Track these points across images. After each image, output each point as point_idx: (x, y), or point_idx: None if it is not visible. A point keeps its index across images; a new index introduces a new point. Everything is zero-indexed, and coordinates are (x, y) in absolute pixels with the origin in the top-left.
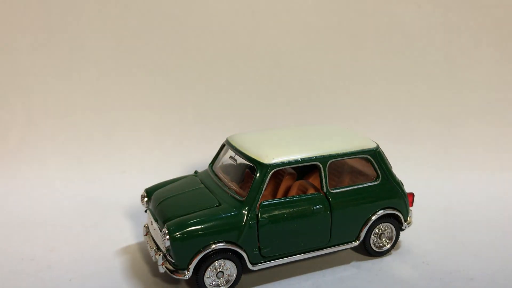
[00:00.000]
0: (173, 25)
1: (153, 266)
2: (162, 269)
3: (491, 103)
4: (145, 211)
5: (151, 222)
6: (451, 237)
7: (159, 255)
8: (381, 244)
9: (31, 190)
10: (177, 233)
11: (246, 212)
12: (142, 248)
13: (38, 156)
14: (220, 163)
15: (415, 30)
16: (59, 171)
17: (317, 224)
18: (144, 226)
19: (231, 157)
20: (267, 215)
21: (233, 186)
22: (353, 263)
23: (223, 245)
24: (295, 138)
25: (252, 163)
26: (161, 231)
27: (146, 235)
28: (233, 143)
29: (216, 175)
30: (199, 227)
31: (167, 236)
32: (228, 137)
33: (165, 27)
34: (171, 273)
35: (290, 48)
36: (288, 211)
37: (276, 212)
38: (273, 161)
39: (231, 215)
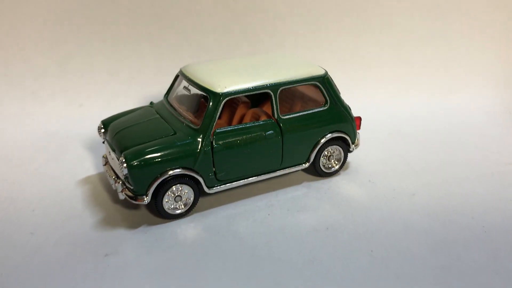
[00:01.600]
0: None
1: (113, 194)
2: (122, 196)
3: (438, 30)
4: (103, 142)
5: (109, 152)
6: (397, 157)
7: (119, 183)
8: (330, 166)
9: None
10: (134, 161)
11: (200, 140)
12: (102, 178)
13: None
14: (174, 94)
15: None
16: (15, 106)
17: (269, 148)
18: (103, 156)
19: (185, 87)
20: (221, 141)
21: (188, 115)
22: (304, 183)
23: (179, 171)
24: (247, 67)
25: (205, 93)
26: (118, 160)
27: (105, 165)
28: (187, 74)
29: (171, 105)
30: (156, 155)
31: (125, 165)
32: (181, 68)
33: None
34: (131, 199)
35: None
36: (241, 137)
37: (230, 139)
38: (225, 90)
39: (186, 142)
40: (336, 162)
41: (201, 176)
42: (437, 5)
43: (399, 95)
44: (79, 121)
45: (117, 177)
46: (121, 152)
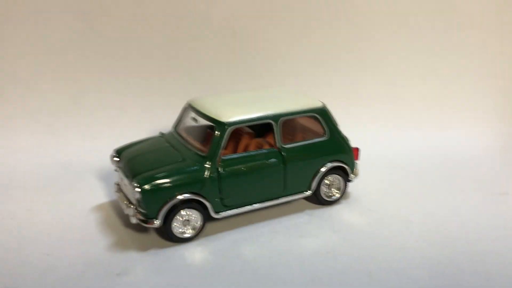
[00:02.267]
0: None
1: (125, 219)
2: (134, 220)
3: (433, 68)
4: (115, 170)
5: (122, 179)
6: (395, 187)
7: (130, 207)
8: (331, 194)
9: (4, 157)
10: (146, 186)
11: (208, 166)
12: (114, 205)
13: (9, 124)
14: (183, 125)
15: (361, 1)
16: (31, 138)
17: (272, 175)
18: (116, 184)
19: (192, 118)
20: (227, 168)
21: (196, 144)
22: (306, 211)
23: (188, 196)
24: (250, 100)
25: (212, 122)
26: (131, 185)
27: (117, 192)
28: (194, 106)
29: (180, 135)
30: (166, 180)
31: (138, 189)
32: (189, 100)
33: None
34: (142, 222)
35: (246, 18)
36: (246, 164)
37: (235, 166)
38: (230, 120)
39: (194, 169)
40: (336, 191)
41: (208, 201)
42: (431, 45)
43: (396, 130)
44: (92, 152)
45: (130, 202)
46: (133, 177)
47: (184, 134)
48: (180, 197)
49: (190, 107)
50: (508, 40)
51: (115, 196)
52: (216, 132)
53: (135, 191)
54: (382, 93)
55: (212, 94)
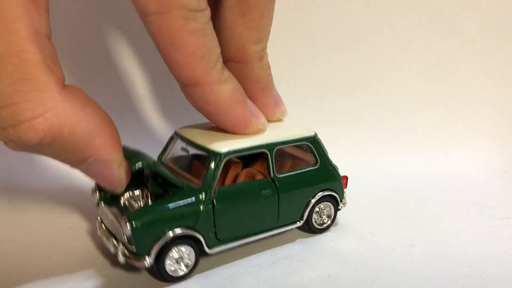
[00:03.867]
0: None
1: (112, 257)
2: (122, 259)
3: (434, 93)
4: (97, 205)
5: (106, 214)
6: (397, 211)
7: (119, 246)
8: (321, 222)
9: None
10: (138, 221)
11: (202, 199)
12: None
13: None
14: (170, 155)
15: (364, 25)
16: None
17: (266, 207)
18: (97, 220)
19: (182, 148)
20: (223, 201)
21: (186, 175)
22: (298, 240)
23: (182, 231)
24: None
25: (206, 152)
26: (119, 221)
27: (100, 228)
28: (185, 135)
29: (166, 166)
30: (159, 215)
31: (128, 225)
32: (177, 130)
33: None
34: (133, 261)
35: None
36: (241, 196)
37: (230, 198)
38: (225, 150)
39: (189, 202)
40: (327, 218)
41: (202, 235)
42: (434, 70)
43: (398, 154)
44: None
45: (116, 239)
46: (122, 212)
47: (170, 165)
48: (173, 232)
49: (178, 137)
50: (511, 66)
51: (98, 232)
52: (212, 163)
53: (125, 228)
54: (385, 118)
55: (200, 122)
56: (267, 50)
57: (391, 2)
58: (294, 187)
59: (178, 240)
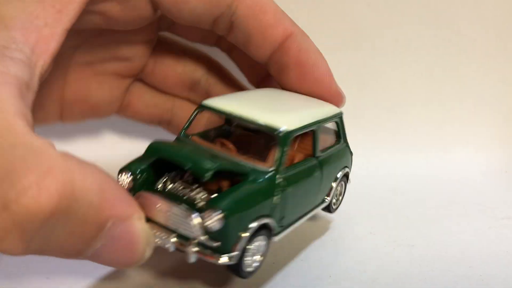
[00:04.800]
0: None
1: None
2: (194, 259)
3: (433, 93)
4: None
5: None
6: (397, 211)
7: (189, 243)
8: (334, 200)
9: None
10: (231, 212)
11: (279, 183)
12: None
13: None
14: (197, 131)
15: (365, 25)
16: None
17: (314, 187)
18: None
19: (230, 126)
20: (291, 183)
21: (244, 156)
22: (298, 241)
23: (265, 221)
24: (282, 104)
25: (269, 131)
26: (188, 214)
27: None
28: (223, 109)
29: (195, 143)
30: (246, 203)
31: (219, 217)
32: (205, 102)
33: None
34: (213, 259)
35: None
36: (301, 177)
37: (295, 180)
38: (292, 128)
39: (267, 187)
40: (339, 196)
41: (275, 222)
42: (433, 69)
43: (397, 154)
44: None
45: (180, 236)
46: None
47: (201, 141)
48: (258, 222)
49: (209, 110)
50: (510, 65)
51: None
52: (281, 142)
53: (213, 221)
54: (383, 118)
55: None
56: None
57: (391, 2)
58: (329, 166)
59: (259, 231)
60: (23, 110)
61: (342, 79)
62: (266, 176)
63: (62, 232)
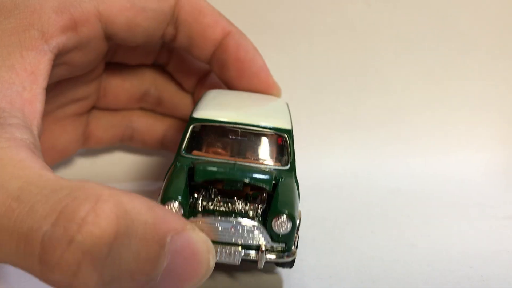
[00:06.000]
0: None
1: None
2: (263, 264)
3: (435, 94)
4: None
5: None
6: (397, 212)
7: (262, 250)
8: None
9: None
10: (295, 215)
11: (297, 180)
12: None
13: None
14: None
15: (365, 25)
16: None
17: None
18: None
19: (231, 133)
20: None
21: (263, 159)
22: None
23: (301, 214)
24: (259, 105)
25: (279, 132)
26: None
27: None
28: (230, 120)
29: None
30: (295, 204)
31: (286, 220)
32: (194, 115)
33: None
34: (285, 258)
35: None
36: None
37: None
38: (291, 126)
39: (295, 185)
40: None
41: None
42: (434, 70)
43: (398, 154)
44: None
45: (244, 246)
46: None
47: (223, 156)
48: (299, 218)
49: (201, 122)
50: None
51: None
52: (288, 141)
53: (283, 225)
54: (385, 118)
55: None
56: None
57: (391, 2)
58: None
59: None
60: (45, 166)
61: (343, 79)
62: (290, 175)
63: (128, 256)
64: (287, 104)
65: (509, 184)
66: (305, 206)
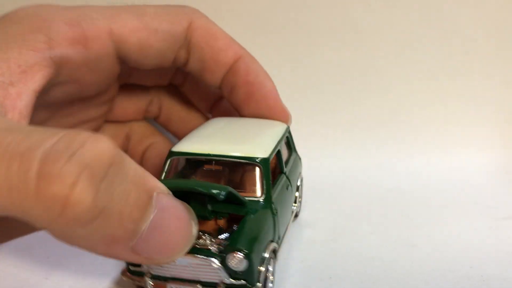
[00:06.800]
0: None
1: None
2: None
3: (435, 94)
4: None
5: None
6: (398, 211)
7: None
8: (298, 205)
9: None
10: (250, 250)
11: (273, 209)
12: None
13: None
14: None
15: (365, 25)
16: None
17: (289, 198)
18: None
19: (207, 166)
20: (277, 203)
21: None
22: (297, 242)
23: (273, 247)
24: (244, 133)
25: (250, 161)
26: (220, 258)
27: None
28: (204, 152)
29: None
30: (257, 236)
31: (243, 257)
32: (177, 149)
33: None
34: None
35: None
36: (281, 194)
37: (279, 198)
38: (267, 154)
39: (268, 216)
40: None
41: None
42: (435, 70)
43: (398, 154)
44: None
45: (202, 284)
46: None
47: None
48: (269, 250)
49: (181, 156)
50: None
51: None
52: (262, 170)
53: (238, 262)
54: (385, 118)
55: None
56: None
57: (391, 2)
58: (293, 177)
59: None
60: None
61: (343, 79)
62: (263, 205)
63: (120, 193)
64: (287, 129)
65: (509, 184)
66: (305, 206)
